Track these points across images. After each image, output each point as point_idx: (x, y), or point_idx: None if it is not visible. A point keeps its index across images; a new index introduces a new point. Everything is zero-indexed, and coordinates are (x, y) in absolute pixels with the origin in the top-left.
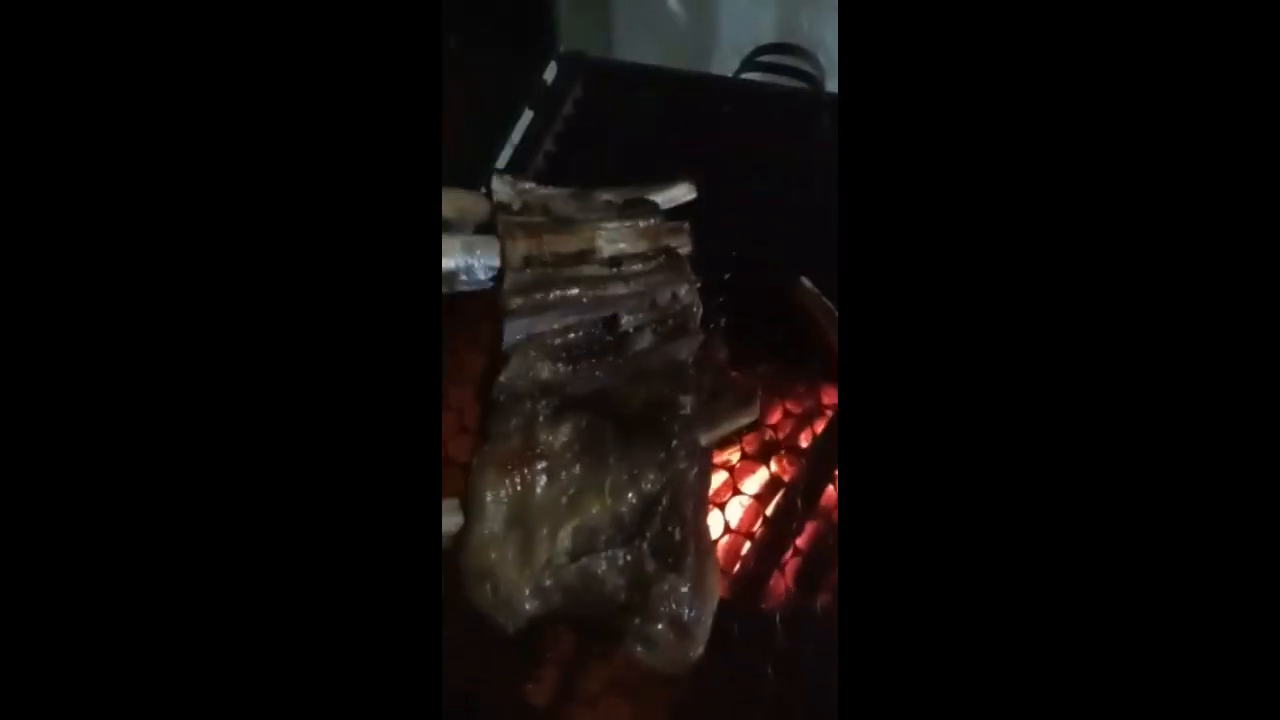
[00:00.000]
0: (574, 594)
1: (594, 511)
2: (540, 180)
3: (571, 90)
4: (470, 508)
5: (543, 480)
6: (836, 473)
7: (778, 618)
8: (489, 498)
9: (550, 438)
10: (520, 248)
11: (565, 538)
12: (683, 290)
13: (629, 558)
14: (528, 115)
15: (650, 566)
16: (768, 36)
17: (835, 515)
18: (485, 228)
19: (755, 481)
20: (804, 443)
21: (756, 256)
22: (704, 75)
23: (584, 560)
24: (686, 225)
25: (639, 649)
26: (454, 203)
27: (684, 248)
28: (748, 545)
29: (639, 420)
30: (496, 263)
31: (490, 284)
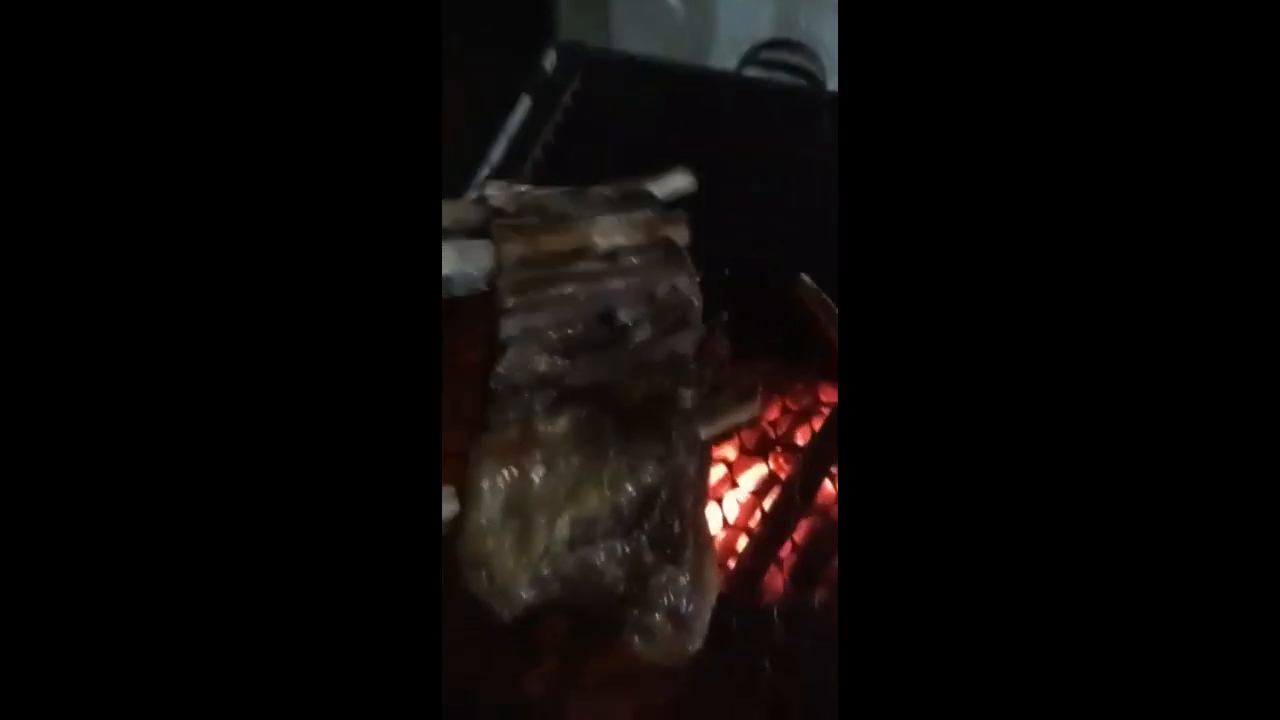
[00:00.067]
0: (572, 584)
1: (593, 502)
2: (538, 170)
3: (570, 82)
4: (467, 495)
5: (541, 470)
6: (833, 470)
7: (775, 612)
8: (485, 485)
9: (548, 429)
10: (514, 249)
11: (563, 527)
12: (682, 281)
13: (628, 549)
14: (525, 106)
15: (649, 558)
16: (766, 33)
17: (832, 512)
18: (479, 233)
19: (752, 477)
20: (801, 440)
21: (757, 252)
22: (705, 69)
23: (582, 550)
24: (684, 215)
25: (637, 640)
26: (449, 213)
27: (682, 238)
28: (745, 540)
29: (639, 413)
30: (490, 265)
31: (485, 286)
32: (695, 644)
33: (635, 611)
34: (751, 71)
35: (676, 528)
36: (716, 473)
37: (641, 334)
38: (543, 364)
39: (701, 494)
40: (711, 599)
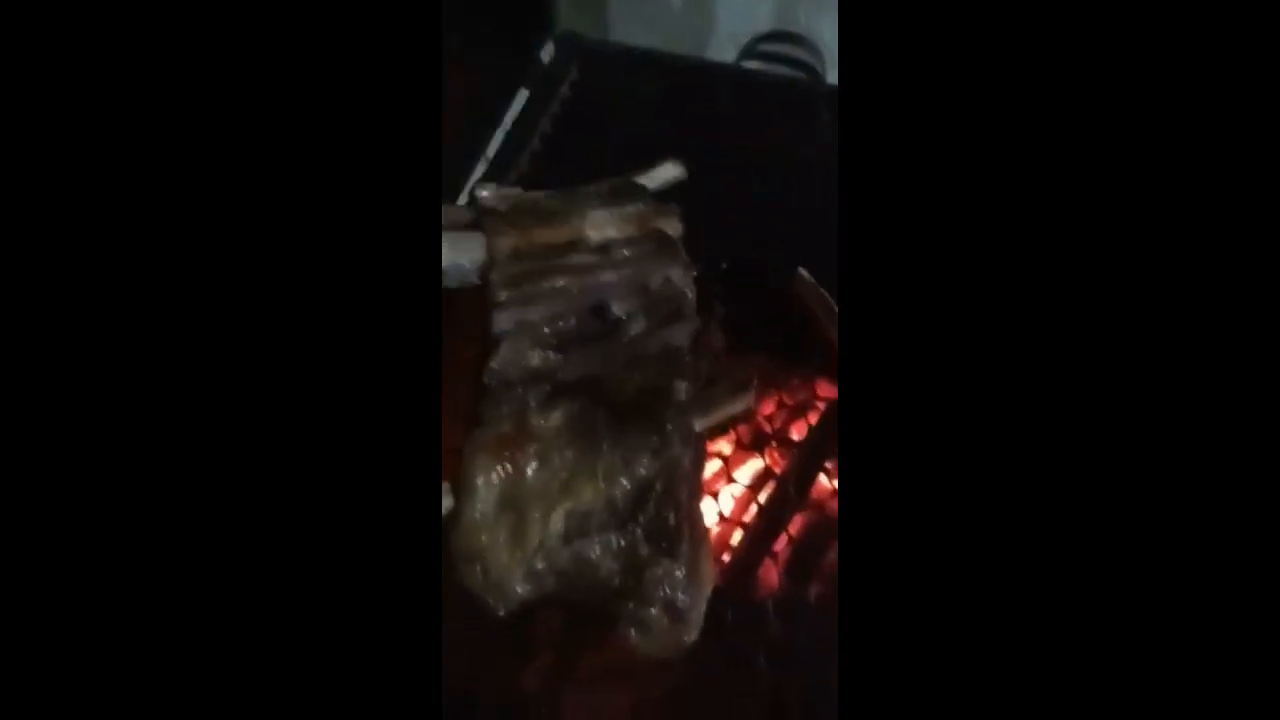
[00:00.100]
0: (567, 578)
1: (587, 496)
2: (535, 162)
3: (568, 73)
4: (461, 490)
5: (534, 464)
6: (828, 465)
7: (770, 605)
8: (480, 480)
9: (542, 423)
10: (507, 241)
11: (558, 521)
12: (676, 273)
13: (623, 542)
14: (523, 98)
15: (644, 551)
16: (765, 26)
17: (826, 506)
18: (472, 228)
19: (748, 471)
20: (796, 435)
21: (754, 246)
22: (703, 61)
23: (577, 544)
24: (676, 208)
25: (633, 633)
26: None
27: (674, 230)
28: (740, 534)
29: (633, 406)
30: (483, 258)
31: (478, 279)
32: (691, 636)
33: (631, 605)
34: (750, 64)
35: (671, 520)
36: (712, 467)
37: (635, 327)
38: (536, 358)
39: (696, 486)
40: (707, 591)
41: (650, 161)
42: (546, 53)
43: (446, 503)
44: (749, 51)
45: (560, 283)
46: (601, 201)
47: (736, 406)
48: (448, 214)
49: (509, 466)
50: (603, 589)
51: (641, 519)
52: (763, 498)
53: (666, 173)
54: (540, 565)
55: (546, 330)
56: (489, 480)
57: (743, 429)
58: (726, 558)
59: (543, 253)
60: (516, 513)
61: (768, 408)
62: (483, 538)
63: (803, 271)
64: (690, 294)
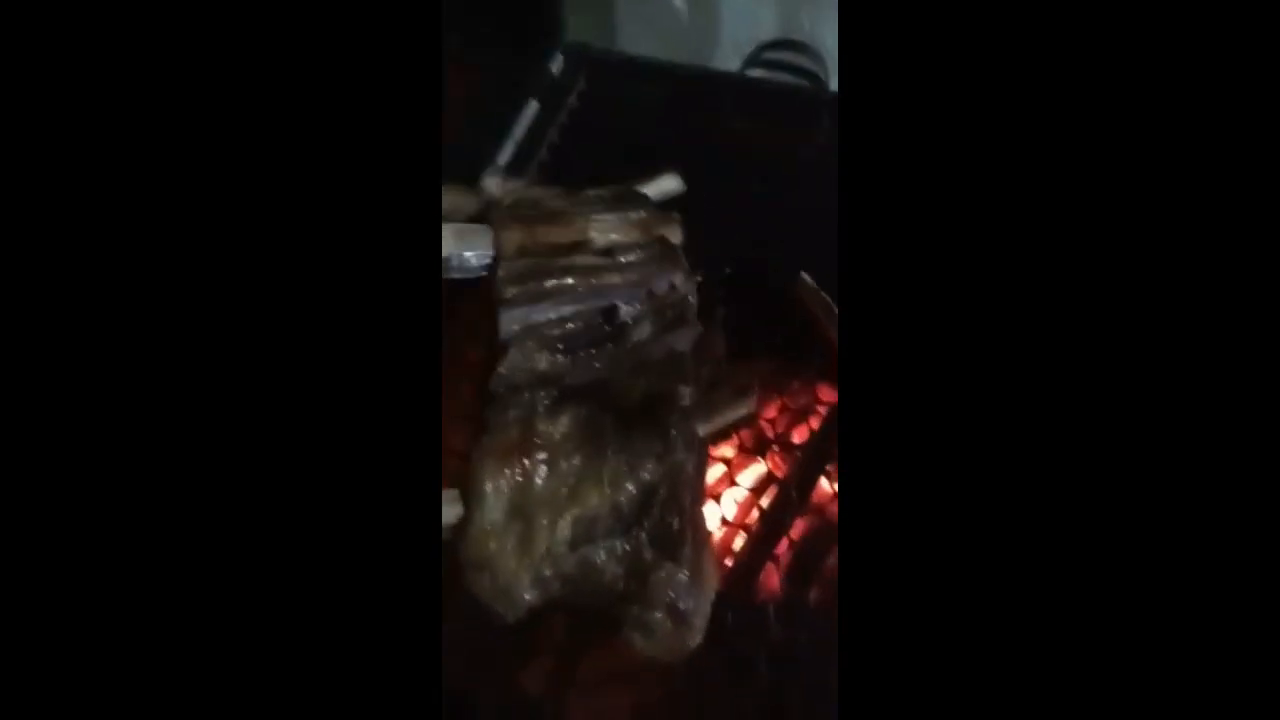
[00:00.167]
0: (573, 583)
1: (593, 501)
2: (544, 171)
3: (576, 83)
4: (470, 498)
5: (543, 471)
6: (830, 469)
7: (771, 609)
8: (489, 488)
9: (549, 429)
10: (514, 237)
11: (565, 527)
12: (679, 279)
13: (627, 547)
14: (533, 108)
15: (648, 556)
16: (769, 34)
17: (828, 511)
18: (477, 219)
19: (751, 476)
20: (798, 439)
21: (757, 251)
22: (709, 70)
23: (583, 549)
24: (677, 215)
25: (637, 637)
26: (446, 198)
27: (676, 238)
28: (742, 538)
29: (638, 411)
30: (489, 251)
31: (482, 272)
32: (695, 639)
33: (635, 609)
34: (755, 72)
35: (675, 525)
36: (715, 471)
37: (640, 332)
38: (543, 362)
39: (700, 491)
40: (710, 595)
41: (652, 172)
42: (555, 64)
43: (456, 510)
44: (753, 60)
45: (568, 281)
46: (605, 206)
47: (739, 411)
48: (453, 197)
49: (518, 473)
50: (607, 593)
51: (646, 524)
52: (765, 502)
53: (666, 185)
54: (547, 571)
55: (555, 333)
56: (498, 487)
57: (745, 433)
58: (729, 562)
59: (549, 251)
60: (524, 520)
61: (770, 412)
62: (491, 545)
63: (805, 276)
64: (693, 300)
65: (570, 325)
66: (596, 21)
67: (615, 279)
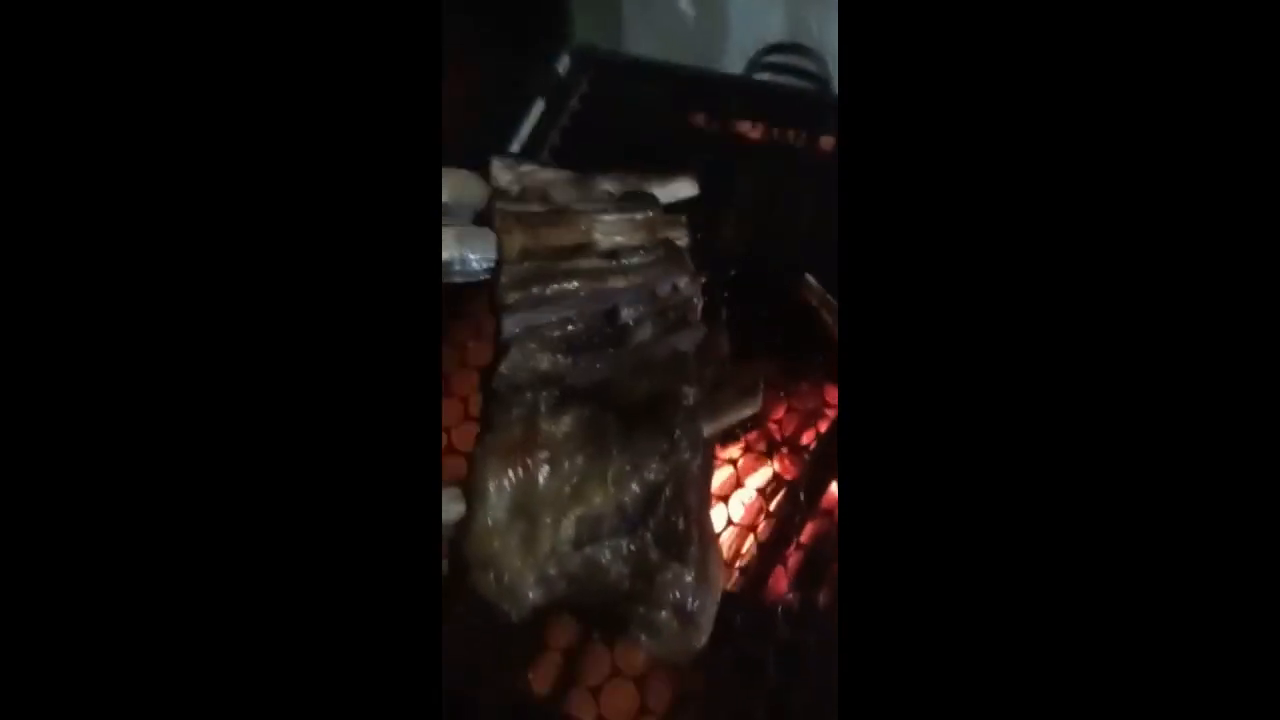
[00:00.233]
0: (578, 582)
1: (597, 501)
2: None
3: (581, 84)
4: (473, 496)
5: (545, 470)
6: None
7: (779, 610)
8: (492, 486)
9: (552, 428)
10: (517, 239)
11: (569, 526)
12: (683, 281)
13: (633, 547)
14: (538, 108)
15: (654, 555)
16: (775, 37)
17: (836, 514)
18: (481, 217)
19: (759, 478)
20: (806, 441)
21: (763, 252)
22: (714, 73)
23: (588, 549)
24: (684, 218)
25: (643, 637)
26: (452, 183)
27: (681, 240)
28: (751, 540)
29: (641, 411)
30: (491, 255)
31: (485, 275)
32: (701, 640)
33: (641, 609)
34: (760, 75)
35: (681, 524)
36: (724, 474)
37: (643, 333)
38: (545, 362)
39: (705, 491)
40: (717, 594)
41: (666, 170)
42: (562, 65)
43: (459, 508)
44: (758, 63)
45: (571, 285)
46: (612, 204)
47: (744, 411)
48: (458, 182)
49: (520, 472)
50: (613, 593)
51: (651, 523)
52: (773, 505)
53: (681, 189)
54: (552, 570)
55: (556, 334)
56: (500, 486)
57: (754, 435)
58: (737, 564)
59: (552, 254)
60: (528, 518)
61: (778, 414)
62: (495, 544)
63: (810, 276)
64: (697, 301)
65: (571, 327)
66: (602, 23)
67: (619, 282)
